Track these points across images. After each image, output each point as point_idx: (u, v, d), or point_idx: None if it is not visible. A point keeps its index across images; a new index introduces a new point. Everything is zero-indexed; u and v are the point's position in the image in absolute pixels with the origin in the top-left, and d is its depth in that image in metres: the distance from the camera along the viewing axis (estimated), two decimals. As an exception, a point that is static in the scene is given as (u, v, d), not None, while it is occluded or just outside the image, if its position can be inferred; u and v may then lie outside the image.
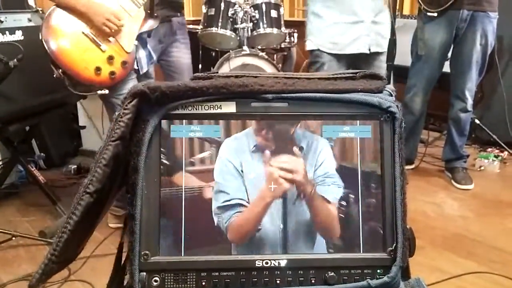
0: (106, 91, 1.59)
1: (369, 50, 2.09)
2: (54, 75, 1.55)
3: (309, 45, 2.14)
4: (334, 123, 0.68)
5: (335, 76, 0.70)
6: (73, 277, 1.75)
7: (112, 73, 1.57)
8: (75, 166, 2.87)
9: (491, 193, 2.48)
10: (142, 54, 1.79)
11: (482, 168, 2.79)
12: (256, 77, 0.67)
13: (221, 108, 0.66)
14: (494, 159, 2.82)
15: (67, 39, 1.51)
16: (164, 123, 0.65)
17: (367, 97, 0.67)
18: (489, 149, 2.98)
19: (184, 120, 0.66)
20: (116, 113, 0.61)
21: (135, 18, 1.65)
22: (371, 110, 0.67)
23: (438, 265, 1.77)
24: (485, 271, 1.73)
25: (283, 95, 0.66)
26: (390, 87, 0.69)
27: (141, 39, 1.76)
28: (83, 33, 1.54)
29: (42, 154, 2.82)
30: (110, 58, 1.57)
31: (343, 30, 2.06)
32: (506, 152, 2.92)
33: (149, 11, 1.70)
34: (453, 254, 1.88)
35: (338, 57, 2.10)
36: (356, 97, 0.67)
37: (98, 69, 1.53)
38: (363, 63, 2.12)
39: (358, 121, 0.68)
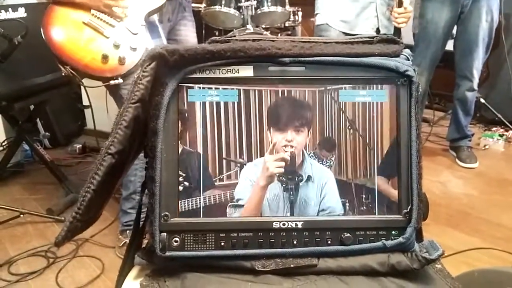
0: (120, 80, 1.46)
1: (376, 32, 2.07)
2: (63, 74, 1.48)
3: (319, 19, 2.12)
4: (351, 87, 0.68)
5: (353, 40, 0.70)
6: (81, 252, 1.77)
7: (121, 59, 1.48)
8: (80, 146, 2.89)
9: (496, 172, 2.49)
10: (154, 44, 1.61)
11: (487, 147, 2.80)
12: (273, 40, 0.67)
13: (238, 72, 0.66)
14: (499, 138, 2.83)
15: (69, 34, 1.42)
16: (182, 87, 0.66)
17: (384, 61, 0.67)
18: (494, 128, 2.99)
19: (201, 84, 0.66)
20: (135, 76, 0.61)
21: None
22: (388, 74, 0.67)
23: (443, 241, 1.75)
24: (488, 247, 1.75)
25: (300, 58, 0.66)
26: (407, 51, 0.69)
27: (153, 26, 1.63)
28: (83, 23, 1.46)
29: (47, 133, 2.83)
30: (117, 43, 1.46)
31: (355, 9, 2.04)
32: (511, 131, 2.92)
33: None
34: (457, 230, 1.90)
35: (345, 35, 2.08)
36: (373, 61, 0.67)
37: (105, 56, 1.42)
38: None
39: (374, 85, 0.68)
